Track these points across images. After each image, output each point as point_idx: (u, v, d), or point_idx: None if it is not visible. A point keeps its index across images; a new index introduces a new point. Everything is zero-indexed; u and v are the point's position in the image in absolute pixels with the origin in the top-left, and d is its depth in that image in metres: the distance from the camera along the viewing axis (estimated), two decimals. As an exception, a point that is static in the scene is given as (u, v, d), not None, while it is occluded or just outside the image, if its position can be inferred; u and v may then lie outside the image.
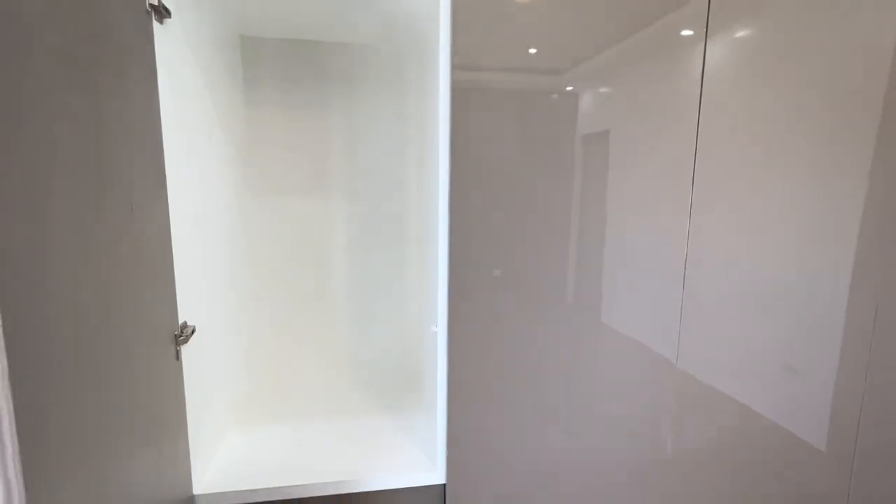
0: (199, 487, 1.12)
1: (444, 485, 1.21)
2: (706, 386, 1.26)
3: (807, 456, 1.33)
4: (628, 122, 1.13)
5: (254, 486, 1.15)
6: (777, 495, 1.34)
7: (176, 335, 0.99)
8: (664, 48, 1.11)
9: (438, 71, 1.06)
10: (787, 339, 1.27)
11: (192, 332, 1.05)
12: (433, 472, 1.21)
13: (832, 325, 1.27)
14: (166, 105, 0.95)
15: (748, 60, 1.13)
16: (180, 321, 1.02)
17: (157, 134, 0.91)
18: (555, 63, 1.08)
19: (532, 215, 1.12)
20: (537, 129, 1.09)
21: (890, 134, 1.18)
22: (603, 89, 1.11)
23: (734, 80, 1.13)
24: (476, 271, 1.11)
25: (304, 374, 1.74)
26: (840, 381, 1.30)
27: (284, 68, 1.59)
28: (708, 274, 1.21)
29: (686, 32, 1.11)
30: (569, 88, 1.10)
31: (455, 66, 1.03)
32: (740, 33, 1.12)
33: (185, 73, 1.10)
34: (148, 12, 0.88)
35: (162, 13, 0.94)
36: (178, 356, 0.99)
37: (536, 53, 1.06)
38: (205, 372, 1.17)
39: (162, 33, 0.95)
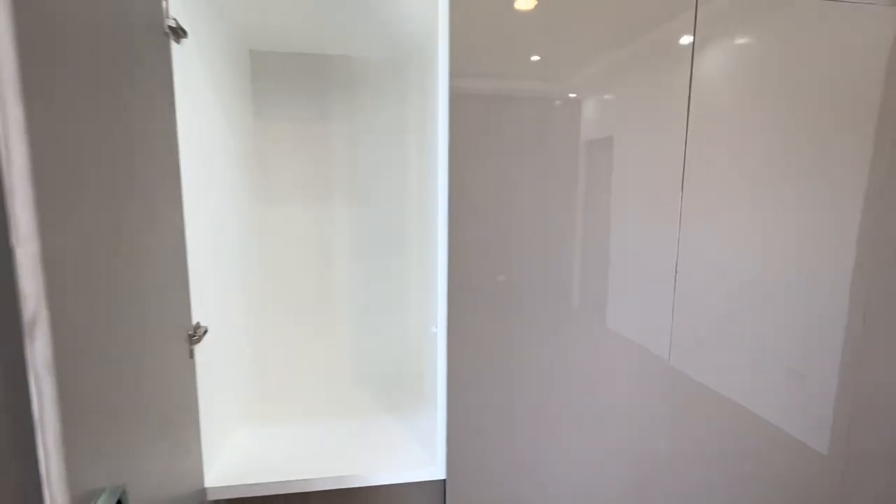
0: (209, 480, 1.18)
1: (444, 480, 1.25)
2: (704, 388, 1.30)
3: (807, 459, 1.36)
4: (623, 128, 1.18)
5: (261, 480, 1.20)
6: (777, 499, 1.38)
7: (190, 335, 1.05)
8: (655, 57, 1.16)
9: (436, 76, 1.12)
10: (788, 341, 1.31)
11: (205, 332, 1.11)
12: (433, 468, 1.26)
13: (832, 327, 1.32)
14: (181, 119, 1.01)
15: (738, 68, 1.18)
16: (194, 322, 1.08)
17: (174, 146, 0.98)
18: (551, 71, 1.13)
19: (528, 220, 1.17)
20: (535, 136, 1.15)
21: (886, 135, 1.24)
22: (603, 97, 1.16)
23: (724, 86, 1.19)
24: (474, 275, 1.17)
25: (310, 374, 1.80)
26: (841, 383, 1.34)
27: (290, 81, 1.66)
28: (704, 277, 1.26)
29: (674, 42, 1.16)
30: (571, 95, 1.15)
31: (453, 74, 1.09)
32: (729, 43, 1.18)
33: (199, 89, 1.16)
34: (166, 34, 0.95)
35: (179, 34, 1.01)
36: (191, 354, 1.05)
37: (535, 61, 1.12)
38: (215, 370, 1.23)
39: (178, 52, 1.02)
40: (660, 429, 1.30)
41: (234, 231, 1.45)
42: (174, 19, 0.97)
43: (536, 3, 1.09)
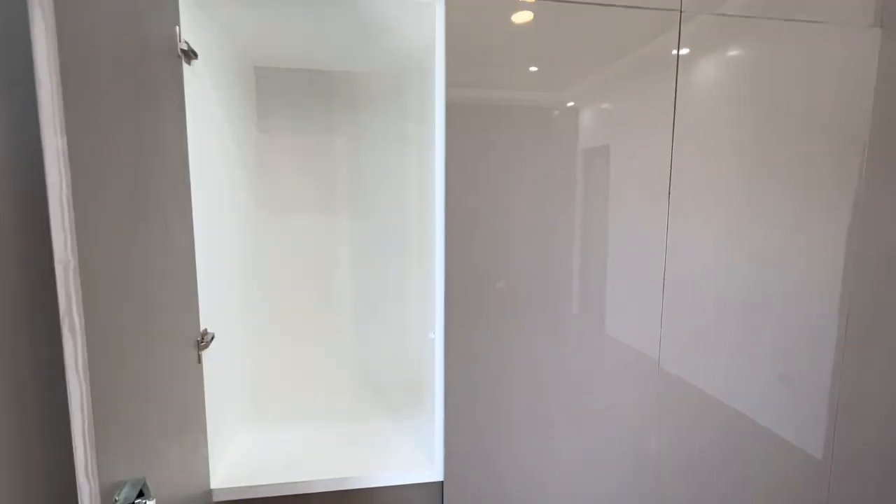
0: (215, 481, 1.22)
1: (442, 482, 1.30)
2: (698, 391, 1.34)
3: (800, 462, 1.41)
4: (617, 137, 1.23)
5: (263, 482, 1.24)
6: (770, 502, 1.42)
7: (198, 341, 1.10)
8: (642, 71, 1.21)
9: (434, 91, 1.18)
10: (779, 346, 1.36)
11: (212, 338, 1.16)
12: (431, 470, 1.30)
13: (822, 332, 1.37)
14: (191, 135, 1.07)
15: (722, 83, 1.24)
16: (201, 328, 1.13)
17: (185, 163, 1.03)
18: (545, 82, 1.18)
19: (523, 228, 1.22)
20: (530, 146, 1.19)
21: (876, 144, 1.30)
22: (599, 106, 1.21)
23: (708, 100, 1.24)
24: (470, 282, 1.22)
25: (311, 378, 1.85)
26: (832, 387, 1.38)
27: (294, 96, 1.72)
28: (692, 284, 1.31)
29: (661, 56, 1.22)
30: (569, 104, 1.20)
31: (450, 84, 1.14)
32: (712, 59, 1.23)
33: (207, 106, 1.22)
34: (179, 56, 1.01)
35: (190, 56, 1.07)
36: (199, 360, 1.10)
37: (532, 72, 1.17)
38: (220, 375, 1.28)
39: (188, 72, 1.08)
40: (657, 433, 1.35)
41: (239, 240, 1.50)
42: (186, 42, 1.03)
43: (532, 8, 1.15)
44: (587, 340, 1.29)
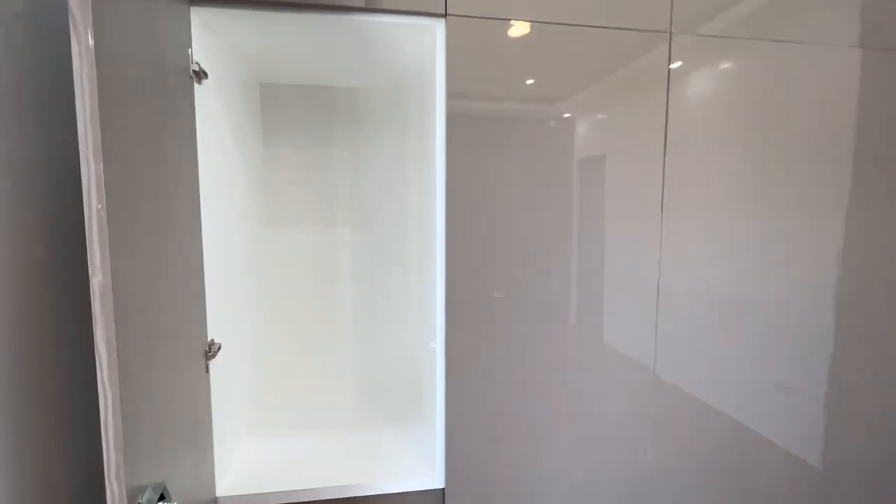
0: (220, 489, 1.24)
1: (443, 489, 1.32)
2: (694, 399, 1.38)
3: (800, 471, 1.44)
4: (613, 148, 1.27)
5: (267, 489, 1.26)
6: None
7: (206, 351, 1.13)
8: (635, 84, 1.26)
9: (434, 107, 1.22)
10: (776, 355, 1.39)
11: (219, 348, 1.19)
12: (432, 478, 1.33)
13: (818, 341, 1.41)
14: (199, 150, 1.11)
15: (712, 96, 1.29)
16: (208, 338, 1.16)
17: (195, 179, 1.07)
18: (543, 92, 1.23)
19: (522, 237, 1.26)
20: (529, 156, 1.24)
21: (860, 158, 1.36)
22: (595, 117, 1.26)
23: (699, 113, 1.29)
24: (471, 291, 1.25)
25: (313, 388, 1.87)
26: (829, 396, 1.42)
27: (297, 111, 1.77)
28: (687, 293, 1.35)
29: (653, 70, 1.27)
30: (566, 115, 1.24)
31: (450, 95, 1.18)
32: (703, 74, 1.28)
33: (215, 122, 1.26)
34: (191, 77, 1.05)
35: (201, 76, 1.11)
36: (207, 369, 1.13)
37: (530, 83, 1.21)
38: (226, 384, 1.30)
39: (198, 91, 1.12)
40: (650, 440, 1.38)
41: (243, 251, 1.54)
42: (197, 63, 1.08)
43: (528, 31, 1.20)
44: (585, 349, 1.32)
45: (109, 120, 0.53)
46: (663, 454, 1.38)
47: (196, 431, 1.03)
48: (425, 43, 1.27)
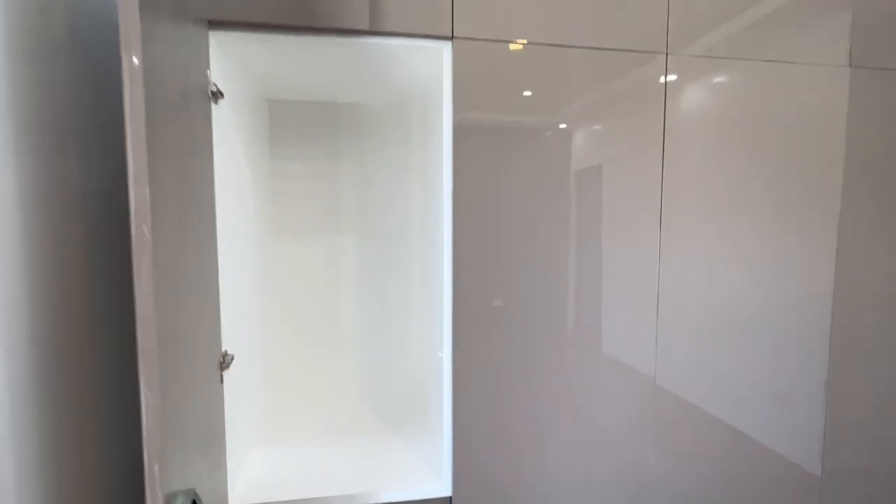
0: (232, 497, 1.26)
1: (450, 497, 1.34)
2: (694, 408, 1.41)
3: (800, 480, 1.47)
4: (611, 158, 1.32)
5: (276, 498, 1.28)
6: None
7: (220, 362, 1.16)
8: (633, 96, 1.31)
9: (439, 123, 1.27)
10: (773, 364, 1.43)
11: (232, 359, 1.22)
12: (440, 485, 1.35)
13: (815, 351, 1.44)
14: (215, 166, 1.15)
15: (709, 111, 1.34)
16: (222, 349, 1.19)
17: (212, 195, 1.11)
18: (545, 105, 1.27)
19: (526, 246, 1.30)
20: (532, 165, 1.28)
21: (851, 172, 1.41)
22: (592, 125, 1.31)
23: (696, 126, 1.34)
24: (478, 302, 1.29)
25: (321, 397, 1.89)
26: (827, 404, 1.46)
27: (304, 126, 1.82)
28: (686, 304, 1.39)
29: (650, 83, 1.32)
30: (562, 126, 1.29)
31: (456, 107, 1.23)
32: (699, 87, 1.33)
33: (227, 138, 1.30)
34: (209, 97, 1.10)
35: (217, 96, 1.15)
36: (221, 380, 1.16)
37: (529, 96, 1.26)
38: (236, 394, 1.33)
39: (214, 111, 1.16)
40: (651, 448, 1.40)
41: (251, 262, 1.57)
42: (214, 84, 1.12)
43: (530, 51, 1.25)
44: (588, 358, 1.35)
45: (151, 144, 0.57)
46: (664, 461, 1.41)
47: (213, 440, 1.06)
48: (431, 62, 1.32)
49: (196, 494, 0.66)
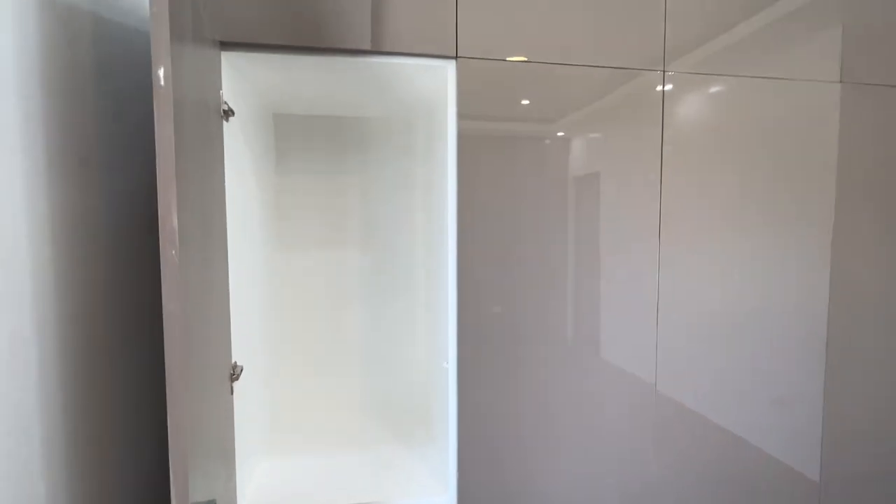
0: (241, 508, 1.28)
1: (455, 506, 1.36)
2: (694, 414, 1.43)
3: (799, 485, 1.49)
4: (609, 166, 1.36)
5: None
6: None
7: (230, 374, 1.18)
8: (632, 107, 1.35)
9: (444, 134, 1.30)
10: (773, 370, 1.46)
11: (241, 371, 1.24)
12: (445, 496, 1.37)
13: (812, 357, 1.47)
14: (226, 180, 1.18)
15: (706, 122, 1.38)
16: (232, 361, 1.21)
17: (224, 209, 1.14)
18: (545, 115, 1.31)
19: (529, 257, 1.32)
20: (533, 172, 1.32)
21: (843, 184, 1.45)
22: (589, 134, 1.34)
23: (694, 135, 1.38)
24: (482, 313, 1.31)
25: (326, 408, 1.91)
26: (826, 410, 1.48)
27: (309, 140, 1.85)
28: (686, 312, 1.42)
29: (648, 94, 1.36)
30: (559, 134, 1.33)
31: (461, 117, 1.27)
32: (697, 99, 1.38)
33: (236, 154, 1.33)
34: (221, 116, 1.13)
35: (228, 114, 1.19)
36: (231, 391, 1.18)
37: (531, 107, 1.30)
38: (243, 405, 1.35)
39: (225, 128, 1.19)
40: (653, 454, 1.43)
41: (258, 275, 1.59)
42: (226, 102, 1.15)
43: (531, 67, 1.29)
44: (591, 367, 1.38)
45: (180, 177, 0.60)
46: (665, 467, 1.43)
47: (224, 452, 1.08)
48: (437, 79, 1.36)
49: (217, 505, 0.68)
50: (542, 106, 1.31)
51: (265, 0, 1.17)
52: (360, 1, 1.21)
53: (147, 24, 1.34)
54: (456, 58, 1.26)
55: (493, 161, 1.30)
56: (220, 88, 1.12)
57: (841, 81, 1.45)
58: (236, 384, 1.25)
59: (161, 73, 0.56)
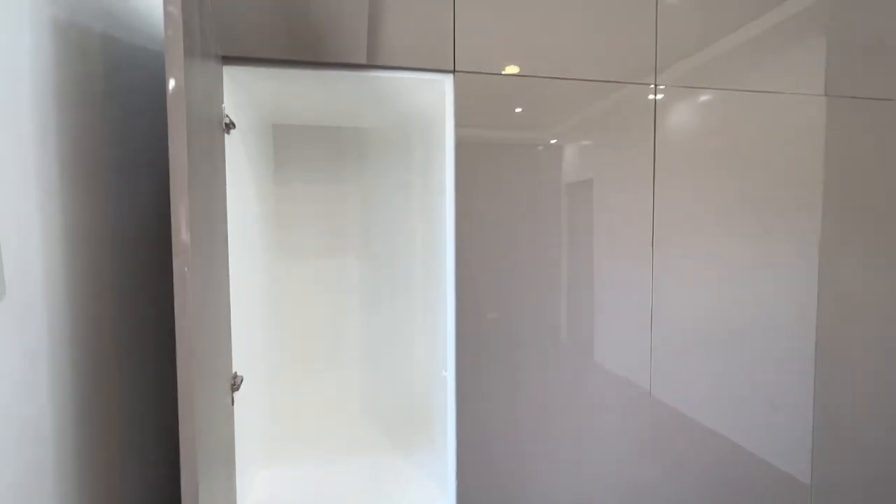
0: (242, 518, 1.28)
1: (455, 513, 1.37)
2: (688, 419, 1.46)
3: (791, 488, 1.52)
4: (602, 173, 1.39)
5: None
6: None
7: (231, 384, 1.19)
8: (624, 115, 1.39)
9: (441, 143, 1.33)
10: (765, 375, 1.49)
11: (241, 381, 1.25)
12: (444, 500, 1.38)
13: (803, 361, 1.51)
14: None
15: (697, 130, 1.42)
16: (233, 371, 1.22)
17: (225, 220, 1.15)
18: (540, 124, 1.35)
19: (526, 263, 1.35)
20: (528, 179, 1.34)
21: (830, 193, 1.50)
22: (583, 143, 1.37)
23: (686, 144, 1.42)
24: (481, 320, 1.33)
25: (325, 416, 1.91)
26: (817, 414, 1.52)
27: (308, 150, 1.87)
28: (680, 317, 1.45)
29: (639, 103, 1.39)
30: (552, 142, 1.36)
31: (458, 126, 1.30)
32: (687, 107, 1.41)
33: (236, 165, 1.35)
34: (223, 130, 1.15)
35: (230, 127, 1.20)
36: (232, 401, 1.19)
37: (526, 117, 1.33)
38: (244, 413, 1.36)
39: (227, 140, 1.21)
40: (648, 460, 1.45)
41: (257, 284, 1.60)
42: (227, 116, 1.17)
43: (526, 80, 1.32)
44: (587, 372, 1.40)
45: (192, 199, 0.62)
46: (659, 471, 1.46)
47: (226, 461, 1.09)
48: (434, 91, 1.38)
49: (226, 514, 0.69)
50: (539, 115, 1.34)
51: (265, 15, 1.19)
52: (357, 17, 1.24)
53: (154, 42, 1.37)
54: (454, 72, 1.29)
55: (490, 170, 1.33)
56: (223, 102, 1.14)
57: (826, 95, 1.49)
58: (236, 394, 1.26)
59: (174, 89, 0.58)
